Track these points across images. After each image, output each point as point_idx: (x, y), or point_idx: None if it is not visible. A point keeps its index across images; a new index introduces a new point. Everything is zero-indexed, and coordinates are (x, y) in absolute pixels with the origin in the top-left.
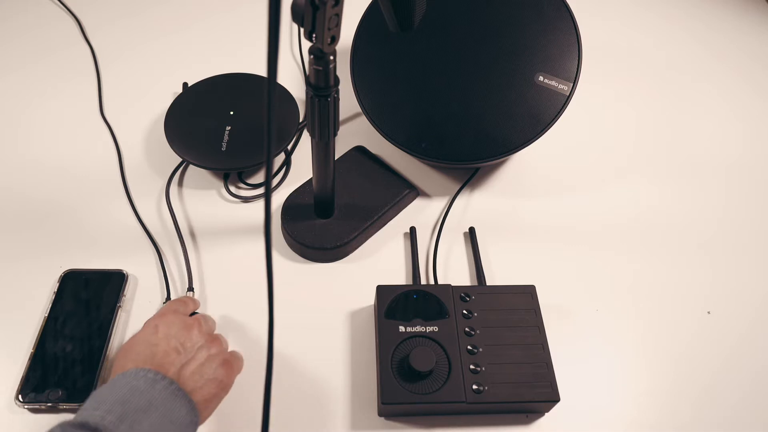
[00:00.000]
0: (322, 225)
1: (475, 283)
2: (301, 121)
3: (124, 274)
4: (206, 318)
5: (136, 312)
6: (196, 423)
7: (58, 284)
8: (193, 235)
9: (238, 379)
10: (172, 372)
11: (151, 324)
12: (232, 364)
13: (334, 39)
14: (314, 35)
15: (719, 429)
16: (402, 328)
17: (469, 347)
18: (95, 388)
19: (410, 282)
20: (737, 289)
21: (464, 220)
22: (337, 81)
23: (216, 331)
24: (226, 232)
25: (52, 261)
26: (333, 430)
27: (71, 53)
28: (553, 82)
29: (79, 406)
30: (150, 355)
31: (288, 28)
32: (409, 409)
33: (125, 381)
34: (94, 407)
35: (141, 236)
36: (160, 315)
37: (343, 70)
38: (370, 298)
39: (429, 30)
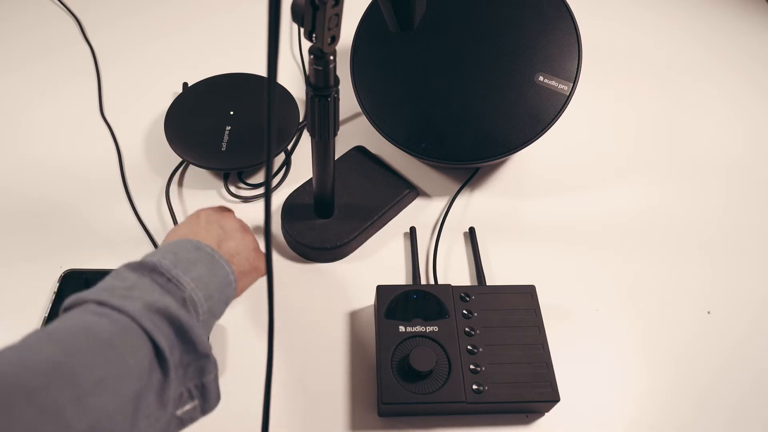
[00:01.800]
0: (322, 225)
1: (475, 283)
2: (301, 121)
3: None
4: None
5: None
6: (235, 288)
7: (58, 284)
8: None
9: (238, 379)
10: (212, 243)
11: (192, 216)
12: (261, 253)
13: (334, 39)
14: (314, 35)
15: (719, 429)
16: (402, 328)
17: (469, 347)
18: None
19: (410, 282)
20: (737, 289)
21: (464, 220)
22: (337, 81)
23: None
24: None
25: (52, 261)
26: (333, 430)
27: (71, 53)
28: (553, 82)
29: None
30: (192, 233)
31: (288, 28)
32: (409, 409)
33: (173, 244)
34: (150, 255)
35: (141, 236)
36: (199, 210)
37: (343, 70)
38: (370, 298)
39: (429, 30)
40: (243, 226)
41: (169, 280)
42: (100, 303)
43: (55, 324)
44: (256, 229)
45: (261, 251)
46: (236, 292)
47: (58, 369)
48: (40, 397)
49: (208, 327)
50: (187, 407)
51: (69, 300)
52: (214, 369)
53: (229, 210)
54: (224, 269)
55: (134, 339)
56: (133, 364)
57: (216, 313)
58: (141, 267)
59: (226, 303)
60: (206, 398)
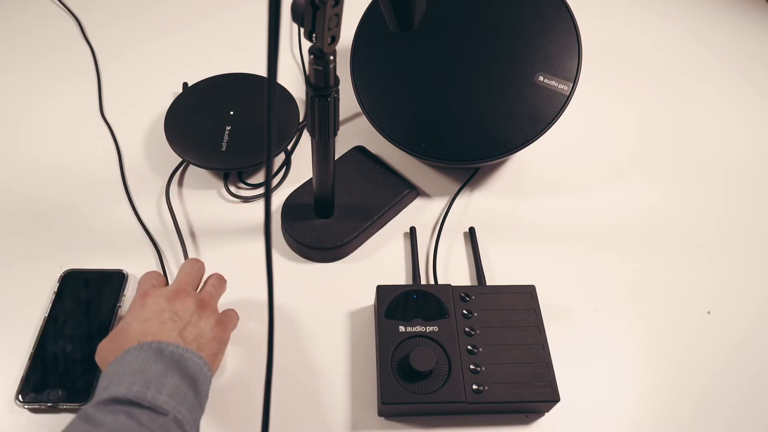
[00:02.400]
0: (322, 225)
1: (475, 283)
2: (301, 121)
3: (124, 274)
4: (190, 281)
5: None
6: (210, 376)
7: (58, 284)
8: (193, 235)
9: (239, 378)
10: (173, 339)
11: (136, 303)
12: (225, 322)
13: (334, 39)
14: (314, 35)
15: (719, 429)
16: (402, 328)
17: (469, 347)
18: (95, 388)
19: (410, 282)
20: (737, 289)
21: (464, 220)
22: (337, 81)
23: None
24: (226, 232)
25: (52, 261)
26: (333, 430)
27: (71, 53)
28: (553, 82)
29: (80, 405)
30: (145, 331)
31: (288, 28)
32: (409, 409)
33: (133, 356)
34: (116, 383)
35: (141, 236)
36: (141, 295)
37: (343, 70)
38: (370, 298)
39: (429, 30)
40: (198, 302)
41: (149, 409)
42: None
43: None
44: (257, 229)
45: (223, 319)
46: (211, 378)
47: None
48: None
49: (197, 427)
50: None
51: None
52: None
53: (174, 287)
54: (197, 364)
55: None
56: None
57: (198, 417)
58: (113, 403)
59: (206, 396)
60: None
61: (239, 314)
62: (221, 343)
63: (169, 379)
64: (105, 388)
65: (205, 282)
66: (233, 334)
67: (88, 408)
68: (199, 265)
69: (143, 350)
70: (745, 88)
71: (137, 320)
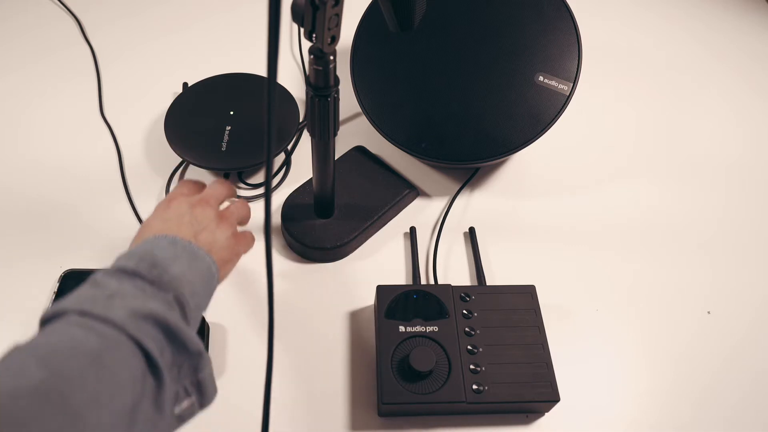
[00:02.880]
0: (322, 225)
1: (475, 283)
2: (301, 121)
3: None
4: (215, 195)
5: None
6: (218, 279)
7: (58, 284)
8: None
9: (239, 379)
10: (188, 236)
11: (162, 204)
12: (239, 238)
13: (334, 39)
14: (314, 35)
15: (719, 429)
16: (402, 328)
17: (469, 347)
18: None
19: (410, 282)
20: (737, 289)
21: (464, 220)
22: (337, 81)
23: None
24: None
25: (52, 261)
26: (333, 430)
27: (71, 53)
28: (553, 82)
29: None
30: (164, 228)
31: (288, 28)
32: (409, 409)
33: (147, 243)
34: (125, 259)
35: None
36: (168, 199)
37: (343, 70)
38: (370, 298)
39: (429, 30)
40: (218, 214)
41: (151, 283)
42: (83, 313)
43: (39, 339)
44: (257, 229)
45: (239, 235)
46: (218, 282)
47: (48, 395)
48: (33, 429)
49: (195, 322)
50: (185, 404)
51: (48, 311)
52: (207, 364)
53: (201, 192)
54: (205, 261)
55: (123, 350)
56: (125, 376)
57: (202, 306)
58: (120, 273)
59: (210, 295)
60: (203, 393)
61: (239, 315)
62: (233, 254)
63: (177, 265)
64: (119, 260)
65: (235, 203)
66: (233, 333)
67: (96, 274)
68: (227, 186)
69: (157, 240)
70: (745, 88)
71: (158, 219)
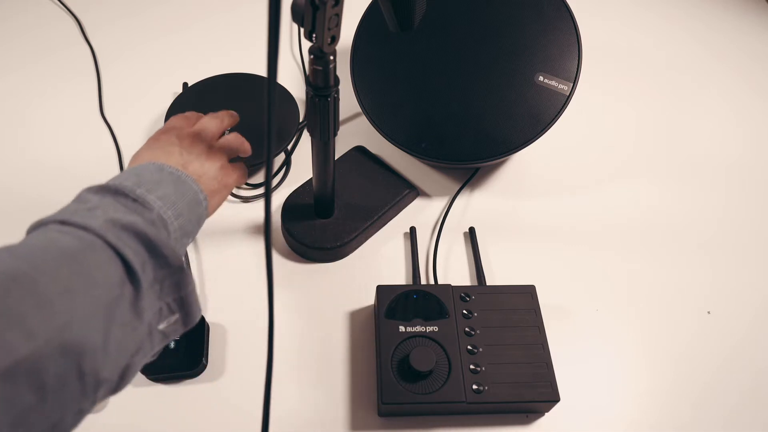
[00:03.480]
0: (322, 225)
1: (475, 283)
2: (301, 121)
3: None
4: (208, 128)
5: None
6: (206, 207)
7: None
8: None
9: (239, 378)
10: (176, 165)
11: (152, 137)
12: (229, 170)
13: (334, 39)
14: (314, 35)
15: (719, 429)
16: (402, 328)
17: (469, 347)
18: None
19: (410, 282)
20: (737, 289)
21: (464, 220)
22: (337, 81)
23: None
24: (226, 232)
25: None
26: (333, 430)
27: (71, 53)
28: (553, 82)
29: None
30: (152, 157)
31: (288, 28)
32: (409, 409)
33: (134, 168)
34: (111, 180)
35: None
36: (160, 131)
37: (343, 70)
38: (370, 298)
39: (429, 30)
40: (209, 145)
41: (134, 200)
42: (63, 222)
43: (16, 243)
44: (257, 229)
45: (229, 167)
46: (208, 211)
47: (17, 279)
48: None
49: (182, 246)
50: (170, 321)
51: (31, 225)
52: (191, 282)
53: (191, 127)
54: (192, 188)
55: (101, 254)
56: (100, 277)
57: (188, 232)
58: (103, 189)
59: (198, 222)
60: (187, 311)
61: (239, 315)
62: (222, 186)
63: (162, 187)
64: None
65: (228, 135)
66: (233, 333)
67: (81, 192)
68: (220, 120)
69: (144, 165)
70: (745, 88)
71: (147, 149)
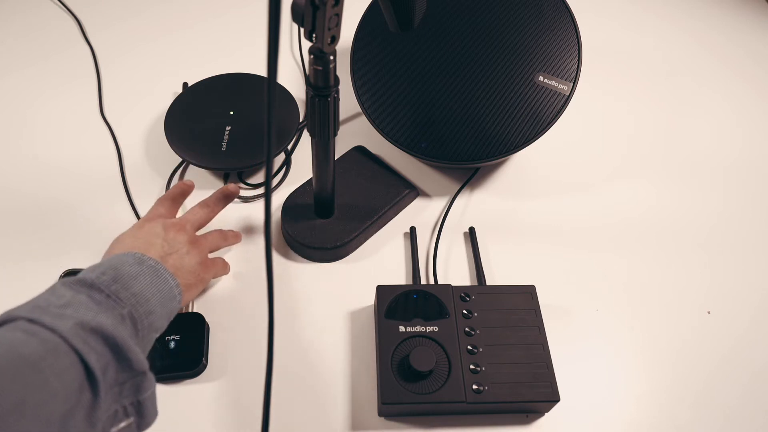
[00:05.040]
0: (322, 225)
1: (475, 283)
2: (301, 121)
3: None
4: (192, 221)
5: None
6: (179, 301)
7: None
8: None
9: (239, 378)
10: (156, 257)
11: (136, 224)
12: (208, 265)
13: (334, 39)
14: (314, 35)
15: (719, 429)
16: (402, 328)
17: (469, 347)
18: None
19: (410, 282)
20: (737, 289)
21: (464, 220)
22: (337, 81)
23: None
24: None
25: (52, 261)
26: (333, 430)
27: (71, 53)
28: (553, 82)
29: None
30: (134, 246)
31: (288, 28)
32: (409, 409)
33: (115, 258)
34: (89, 271)
35: None
36: (144, 219)
37: (343, 70)
38: (370, 298)
39: (429, 30)
40: (191, 239)
41: (108, 296)
42: (32, 321)
43: None
44: (257, 229)
45: (208, 262)
46: (181, 305)
47: None
48: None
49: (148, 342)
50: (123, 425)
51: (2, 315)
52: (150, 386)
53: (177, 219)
54: (168, 282)
55: (63, 359)
56: (58, 386)
57: (158, 328)
58: (78, 283)
59: (168, 317)
60: (142, 415)
61: (239, 315)
62: (198, 280)
63: (138, 282)
64: (83, 272)
65: (212, 232)
66: (233, 333)
67: (56, 283)
68: (207, 212)
69: (125, 256)
70: (745, 88)
71: (130, 237)
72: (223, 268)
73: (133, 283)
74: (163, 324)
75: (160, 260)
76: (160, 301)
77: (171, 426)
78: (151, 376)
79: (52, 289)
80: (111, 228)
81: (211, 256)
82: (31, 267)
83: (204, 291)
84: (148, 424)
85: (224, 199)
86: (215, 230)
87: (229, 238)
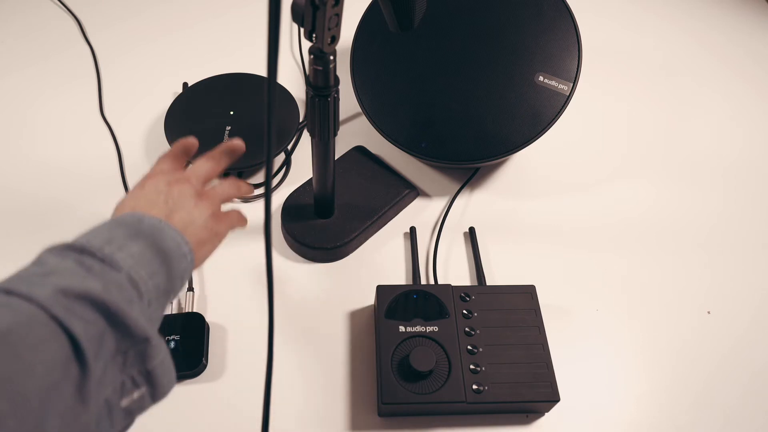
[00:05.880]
0: (322, 225)
1: (475, 283)
2: (301, 121)
3: None
4: (198, 174)
5: None
6: (192, 259)
7: None
8: None
9: (239, 378)
10: (160, 215)
11: (138, 184)
12: (222, 217)
13: (334, 39)
14: (314, 35)
15: (719, 429)
16: (402, 328)
17: (469, 347)
18: None
19: (410, 282)
20: (737, 289)
21: (464, 220)
22: (337, 81)
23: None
24: None
25: None
26: (333, 430)
27: (71, 53)
28: (553, 82)
29: None
30: (135, 206)
31: (288, 28)
32: (409, 409)
33: (112, 221)
34: (82, 236)
35: None
36: (146, 176)
37: (343, 70)
38: (370, 298)
39: (429, 30)
40: (197, 192)
41: (101, 260)
42: (8, 292)
43: None
44: (257, 229)
45: (221, 215)
46: (195, 263)
47: None
48: None
49: (159, 306)
50: (135, 396)
51: None
52: (158, 353)
53: (181, 173)
54: (174, 240)
55: (40, 330)
56: (34, 360)
57: (168, 290)
58: (66, 249)
59: (182, 277)
60: (154, 384)
61: (239, 315)
62: (212, 234)
63: (134, 243)
64: (73, 240)
65: (223, 181)
66: (233, 333)
67: (42, 251)
68: (212, 164)
69: (123, 216)
70: (745, 88)
71: (132, 198)
72: (239, 219)
73: (131, 243)
74: (175, 285)
75: (165, 218)
76: (165, 261)
77: (171, 426)
78: (157, 342)
79: (36, 259)
80: None
81: (225, 208)
82: None
83: (203, 291)
84: (163, 394)
85: (230, 152)
86: (227, 178)
87: (242, 187)
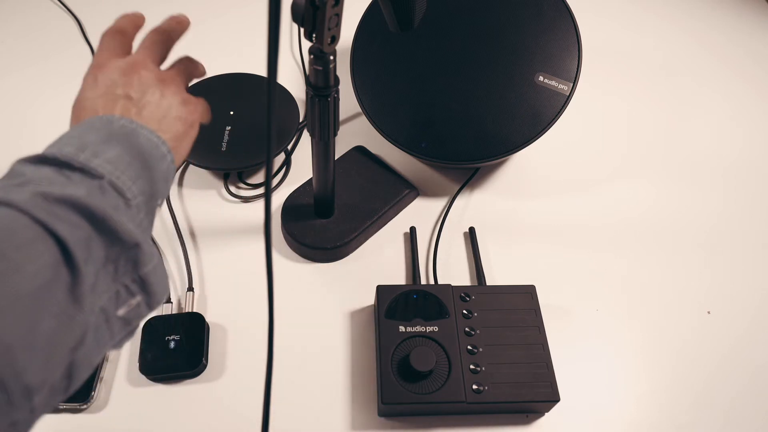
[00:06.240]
0: (322, 225)
1: (475, 283)
2: (301, 121)
3: None
4: (150, 52)
5: None
6: (172, 159)
7: None
8: (193, 235)
9: (239, 379)
10: (127, 114)
11: (88, 78)
12: (192, 102)
13: (334, 39)
14: (314, 35)
15: (719, 429)
16: (402, 328)
17: (469, 347)
18: (94, 388)
19: (410, 282)
20: (737, 289)
21: (464, 220)
22: (337, 81)
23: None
24: (226, 232)
25: None
26: (333, 430)
27: (71, 53)
28: (553, 82)
29: (80, 405)
30: (94, 109)
31: (288, 28)
32: (409, 409)
33: (78, 127)
34: (50, 146)
35: None
36: (94, 66)
37: (343, 70)
38: (370, 298)
39: (429, 30)
40: (158, 77)
41: (78, 170)
42: None
43: None
44: (257, 229)
45: (192, 100)
46: (176, 162)
47: None
48: None
49: (149, 211)
50: (132, 303)
51: None
52: (150, 259)
53: (133, 56)
54: (149, 140)
55: (24, 232)
56: (22, 259)
57: (154, 193)
58: (40, 159)
59: (166, 180)
60: (148, 292)
61: (239, 315)
62: (187, 125)
63: (110, 148)
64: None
65: (176, 62)
66: (233, 333)
67: (14, 163)
68: (164, 39)
69: (90, 120)
70: (745, 88)
71: (88, 97)
72: (206, 107)
73: (105, 148)
74: (161, 187)
75: (135, 116)
76: (144, 164)
77: (171, 426)
78: (148, 248)
79: (8, 172)
80: None
81: None
82: None
83: (203, 291)
84: (158, 302)
85: (177, 24)
86: (180, 58)
87: (199, 65)
